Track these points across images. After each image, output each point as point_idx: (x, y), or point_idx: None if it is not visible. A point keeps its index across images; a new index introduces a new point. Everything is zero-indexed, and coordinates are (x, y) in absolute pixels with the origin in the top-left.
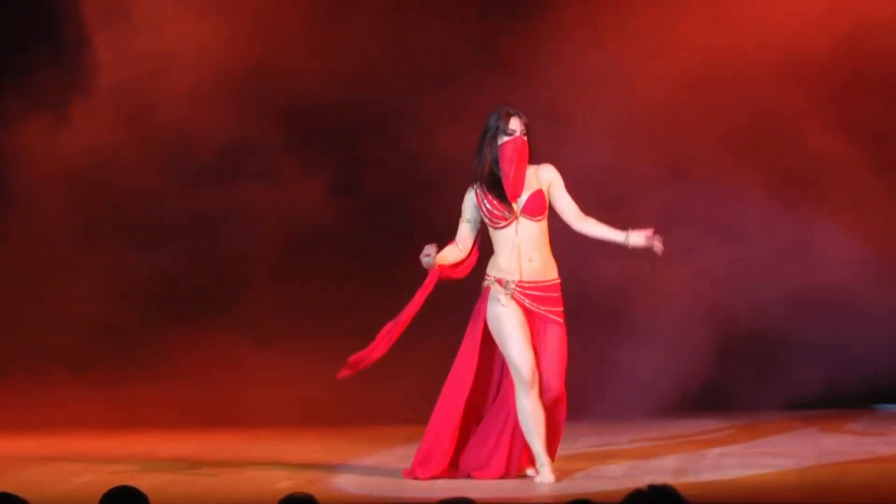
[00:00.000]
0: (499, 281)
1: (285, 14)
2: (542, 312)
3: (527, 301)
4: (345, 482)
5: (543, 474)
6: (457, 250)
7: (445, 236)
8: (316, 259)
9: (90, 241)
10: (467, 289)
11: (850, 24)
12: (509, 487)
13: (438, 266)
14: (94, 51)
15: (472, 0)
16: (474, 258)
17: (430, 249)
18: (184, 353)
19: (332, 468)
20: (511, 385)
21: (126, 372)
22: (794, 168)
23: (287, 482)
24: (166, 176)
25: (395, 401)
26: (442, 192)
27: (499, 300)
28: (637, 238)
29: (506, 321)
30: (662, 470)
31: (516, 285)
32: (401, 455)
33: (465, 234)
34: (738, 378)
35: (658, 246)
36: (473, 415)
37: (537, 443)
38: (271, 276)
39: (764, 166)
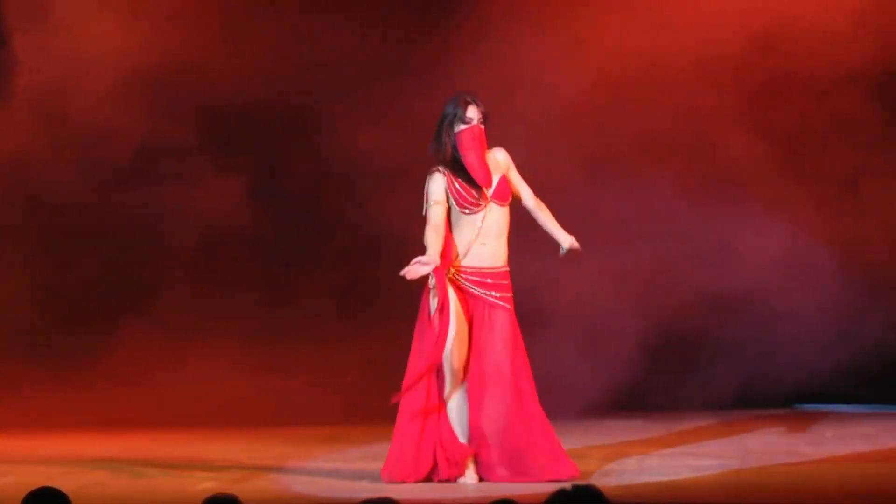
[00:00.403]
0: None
1: (203, 15)
2: (488, 297)
3: (469, 286)
4: (269, 482)
5: (468, 475)
6: (439, 235)
7: (357, 237)
8: (232, 260)
9: (7, 242)
10: (375, 289)
11: (765, 24)
12: (433, 489)
13: (440, 260)
14: (12, 52)
15: (390, 2)
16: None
17: (426, 260)
18: (104, 354)
19: (256, 468)
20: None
21: (46, 373)
22: (710, 169)
23: (210, 482)
24: (84, 177)
25: (316, 401)
26: (357, 193)
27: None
28: (566, 248)
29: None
30: (586, 470)
31: (457, 271)
32: (323, 455)
33: (442, 217)
34: (661, 378)
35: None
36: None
37: (464, 440)
38: (188, 276)
39: (681, 167)
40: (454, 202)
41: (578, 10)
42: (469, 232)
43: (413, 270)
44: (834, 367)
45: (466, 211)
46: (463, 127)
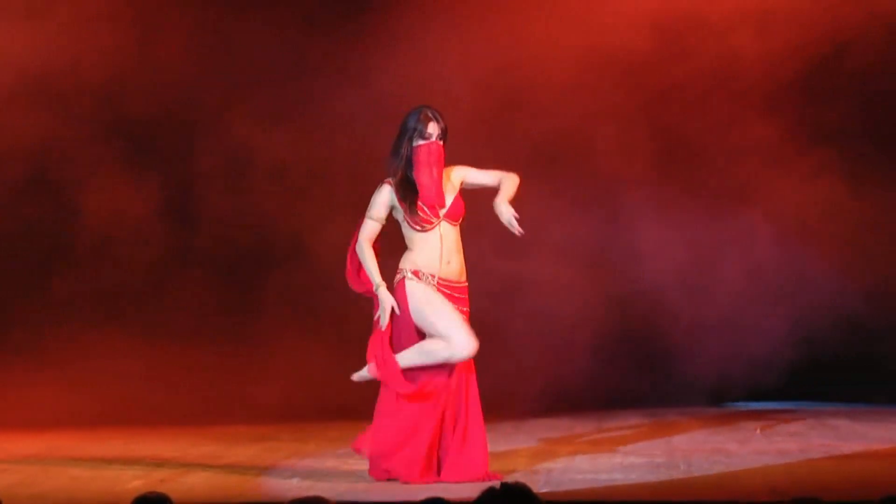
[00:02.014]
0: (415, 273)
1: (109, 19)
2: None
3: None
4: (198, 481)
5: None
6: (370, 252)
7: (264, 240)
8: (138, 261)
9: None
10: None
11: (665, 30)
12: (365, 488)
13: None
14: None
15: (302, 3)
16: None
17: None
18: (27, 353)
19: (185, 467)
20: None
21: None
22: (602, 176)
23: (139, 481)
24: None
25: (245, 400)
26: (263, 194)
27: (419, 282)
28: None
29: (432, 296)
30: (513, 470)
31: (434, 279)
32: (253, 454)
33: (374, 233)
34: (589, 378)
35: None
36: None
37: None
38: (99, 278)
39: (573, 173)
40: (406, 219)
41: (481, 9)
42: (431, 250)
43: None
44: (761, 366)
45: (418, 228)
46: (422, 142)
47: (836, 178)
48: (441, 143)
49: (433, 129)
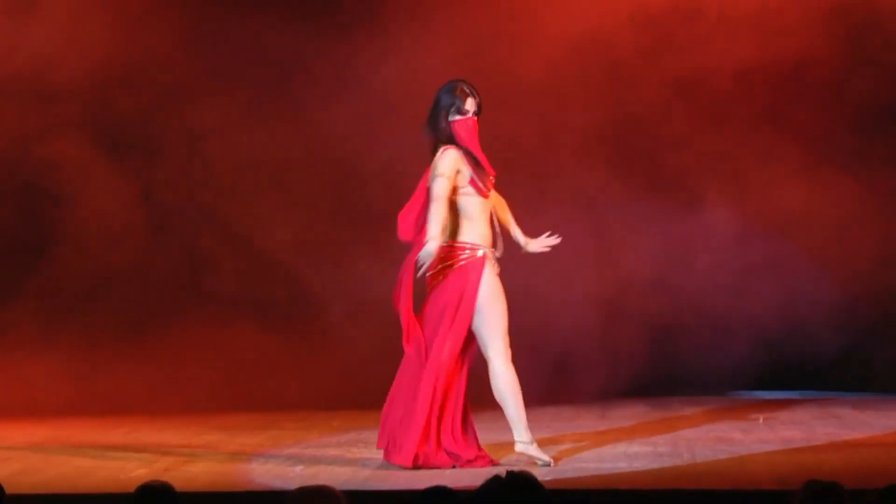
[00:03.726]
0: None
1: (90, 16)
2: None
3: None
4: (201, 470)
5: (533, 450)
6: (442, 207)
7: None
8: (130, 250)
9: None
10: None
11: (662, 24)
12: (369, 476)
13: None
14: None
15: (276, 5)
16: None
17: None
18: (20, 341)
19: (188, 456)
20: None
21: None
22: (604, 171)
23: (143, 470)
24: None
25: (247, 388)
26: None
27: (493, 269)
28: None
29: (500, 293)
30: (517, 460)
31: (496, 264)
32: (257, 442)
33: (447, 189)
34: (593, 366)
35: None
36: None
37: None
38: (84, 262)
39: (570, 169)
40: (470, 184)
41: (463, 15)
42: (485, 216)
43: (423, 266)
44: (762, 356)
45: (483, 191)
46: (458, 118)
47: (827, 177)
48: (476, 118)
49: (471, 104)
